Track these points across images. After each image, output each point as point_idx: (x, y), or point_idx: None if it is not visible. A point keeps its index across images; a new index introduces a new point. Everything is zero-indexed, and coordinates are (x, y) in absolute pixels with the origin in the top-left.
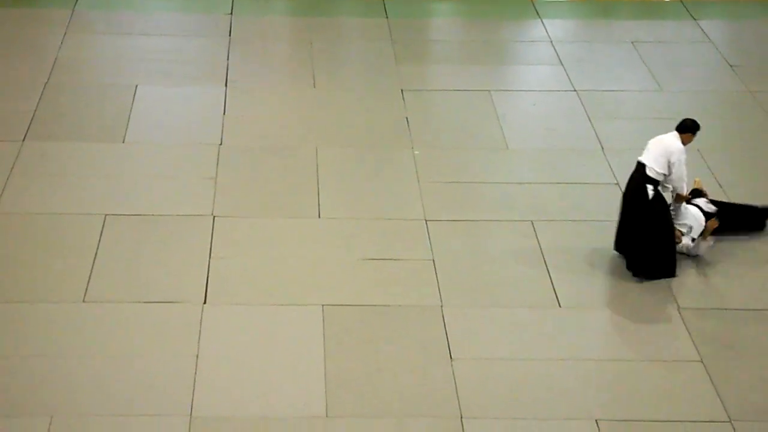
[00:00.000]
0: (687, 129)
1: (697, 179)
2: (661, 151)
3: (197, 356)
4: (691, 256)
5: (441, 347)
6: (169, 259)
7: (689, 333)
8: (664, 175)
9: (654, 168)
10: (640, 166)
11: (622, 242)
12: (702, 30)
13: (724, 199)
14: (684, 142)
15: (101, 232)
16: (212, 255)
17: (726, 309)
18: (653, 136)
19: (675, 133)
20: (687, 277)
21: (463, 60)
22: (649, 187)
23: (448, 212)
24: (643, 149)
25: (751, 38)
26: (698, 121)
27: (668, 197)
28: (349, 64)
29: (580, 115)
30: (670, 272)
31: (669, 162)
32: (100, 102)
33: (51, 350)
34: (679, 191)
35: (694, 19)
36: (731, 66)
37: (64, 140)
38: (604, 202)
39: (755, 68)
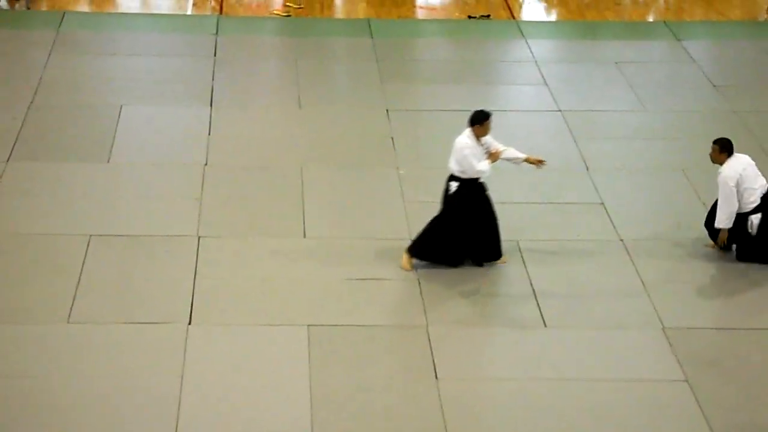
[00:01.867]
0: (472, 122)
1: None
2: (454, 151)
3: (182, 377)
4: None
5: (426, 367)
6: (154, 280)
7: (674, 353)
8: (460, 171)
9: (452, 167)
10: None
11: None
12: (686, 50)
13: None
14: (477, 135)
15: (86, 252)
16: (197, 275)
17: (710, 328)
18: (637, 155)
19: (467, 130)
20: (670, 297)
21: (448, 80)
22: (452, 184)
23: None
24: (622, 169)
25: (734, 58)
26: (486, 111)
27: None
28: (335, 83)
29: (565, 135)
30: (450, 262)
31: (457, 158)
32: (85, 122)
33: (35, 371)
34: (473, 175)
35: (678, 40)
36: (715, 86)
37: (49, 161)
38: (589, 221)
39: (739, 88)
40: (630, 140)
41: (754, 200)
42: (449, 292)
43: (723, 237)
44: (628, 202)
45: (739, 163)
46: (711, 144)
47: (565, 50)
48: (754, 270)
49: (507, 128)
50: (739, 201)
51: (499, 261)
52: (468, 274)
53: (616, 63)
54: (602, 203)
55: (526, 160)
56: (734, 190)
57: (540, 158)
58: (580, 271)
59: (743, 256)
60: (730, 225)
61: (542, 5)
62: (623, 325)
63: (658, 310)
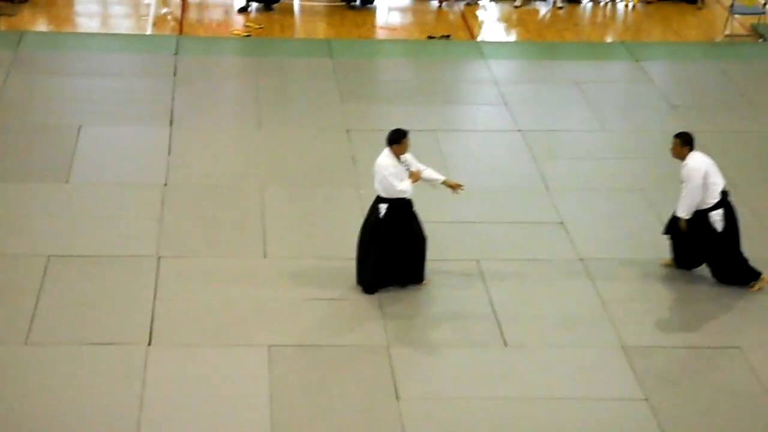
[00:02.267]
0: (390, 141)
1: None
2: (375, 172)
3: (142, 398)
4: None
5: (388, 387)
6: (114, 301)
7: (633, 371)
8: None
9: (377, 188)
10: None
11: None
12: (644, 71)
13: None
14: (396, 154)
15: (44, 273)
16: (157, 296)
17: (669, 347)
18: (597, 175)
19: (385, 150)
20: (630, 316)
21: (409, 100)
22: (382, 206)
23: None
24: (582, 188)
25: (691, 79)
26: (403, 129)
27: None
28: (295, 103)
29: (525, 154)
30: (373, 286)
31: (379, 179)
32: (44, 143)
33: None
34: (396, 195)
35: (637, 61)
36: (673, 106)
37: (7, 181)
38: (549, 241)
39: (696, 108)
40: (589, 160)
41: (715, 197)
42: (410, 311)
43: (683, 225)
44: (587, 222)
45: (703, 157)
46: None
47: (525, 70)
48: (712, 288)
49: (467, 148)
50: (701, 195)
51: (422, 283)
52: (428, 293)
53: (576, 83)
54: (562, 223)
55: (444, 183)
56: (701, 181)
57: (458, 183)
58: (540, 291)
59: (689, 262)
60: (689, 215)
61: (502, 26)
62: (583, 344)
63: (618, 328)
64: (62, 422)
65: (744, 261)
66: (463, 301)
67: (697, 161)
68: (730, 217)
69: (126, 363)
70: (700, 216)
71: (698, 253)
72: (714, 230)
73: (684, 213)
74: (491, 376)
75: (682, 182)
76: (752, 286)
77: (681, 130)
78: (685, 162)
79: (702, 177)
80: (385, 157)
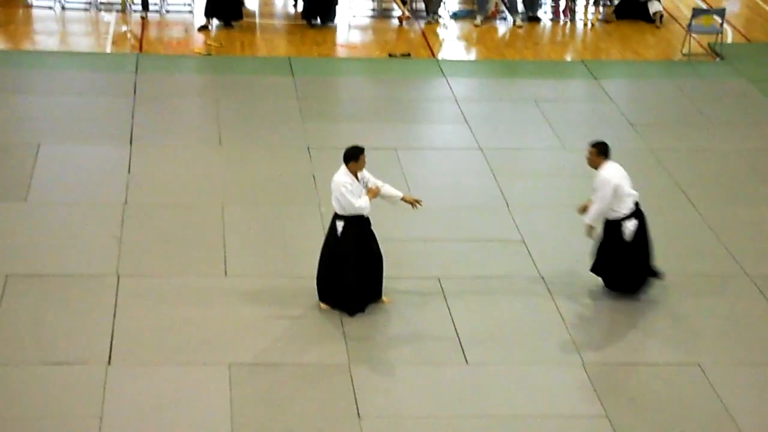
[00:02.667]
0: (347, 158)
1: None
2: (332, 190)
3: (101, 418)
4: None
5: (349, 406)
6: (73, 320)
7: (594, 388)
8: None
9: (334, 205)
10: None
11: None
12: (603, 89)
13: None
14: (353, 171)
15: (2, 292)
16: (117, 315)
17: (630, 364)
18: (557, 193)
19: (342, 167)
20: (590, 333)
21: (370, 118)
22: (339, 224)
23: None
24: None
25: (650, 97)
26: (359, 146)
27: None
28: (256, 121)
29: (485, 172)
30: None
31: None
32: (2, 161)
33: None
34: (354, 212)
35: (596, 79)
36: (632, 124)
37: None
38: (509, 258)
39: (655, 126)
40: (549, 177)
41: (629, 207)
42: (371, 329)
43: (590, 232)
44: (548, 239)
45: (618, 168)
46: (588, 147)
47: (485, 89)
48: (673, 306)
49: (428, 166)
50: (616, 206)
51: (381, 300)
52: (389, 312)
53: (535, 101)
54: (522, 240)
55: (403, 199)
56: (611, 192)
57: (416, 198)
58: (501, 308)
59: (601, 270)
60: (595, 223)
61: (462, 44)
62: (544, 361)
63: (578, 346)
64: None
65: (649, 273)
66: (424, 320)
67: (610, 172)
68: (642, 229)
69: (86, 382)
70: (613, 225)
71: (607, 261)
72: (624, 240)
73: (590, 220)
74: (452, 394)
75: (594, 190)
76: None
77: (639, 148)
78: (599, 172)
79: (613, 189)
80: (342, 174)
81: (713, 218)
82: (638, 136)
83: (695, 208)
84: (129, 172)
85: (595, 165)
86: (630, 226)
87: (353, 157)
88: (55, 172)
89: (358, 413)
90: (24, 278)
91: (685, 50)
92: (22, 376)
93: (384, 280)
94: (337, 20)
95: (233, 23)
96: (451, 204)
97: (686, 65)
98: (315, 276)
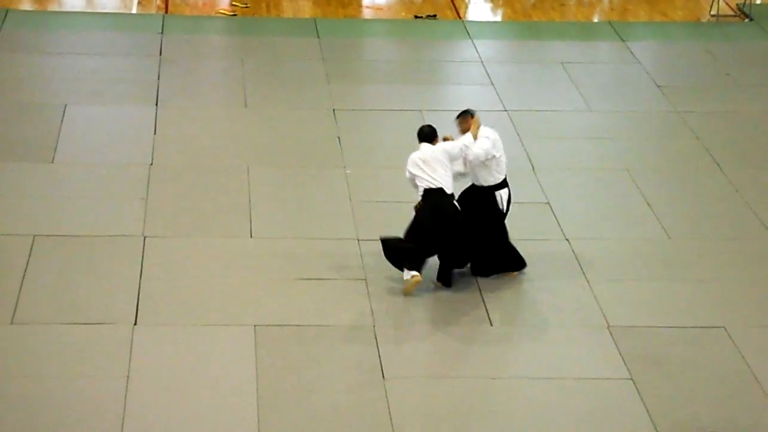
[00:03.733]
0: (427, 138)
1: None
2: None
3: (128, 378)
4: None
5: (374, 367)
6: (99, 280)
7: (619, 351)
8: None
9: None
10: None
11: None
12: (630, 51)
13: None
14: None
15: (30, 252)
16: (143, 275)
17: (654, 326)
18: (582, 155)
19: (423, 146)
20: (615, 296)
21: (395, 80)
22: (503, 192)
23: (380, 231)
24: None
25: (677, 59)
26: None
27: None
28: (281, 83)
29: (511, 134)
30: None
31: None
32: (29, 122)
33: None
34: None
35: (623, 41)
36: (659, 86)
37: None
38: (535, 221)
39: (682, 89)
40: (575, 140)
41: (501, 174)
42: (396, 292)
43: (475, 130)
44: (573, 202)
45: (492, 131)
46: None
47: (511, 50)
48: (697, 268)
49: (454, 128)
50: (492, 171)
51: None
52: None
53: (562, 63)
54: (548, 203)
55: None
56: (493, 141)
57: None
58: (526, 271)
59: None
60: (480, 154)
61: (488, 6)
62: (569, 324)
63: (603, 308)
64: (48, 401)
65: (513, 247)
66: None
67: (488, 132)
68: (508, 202)
69: (112, 342)
70: (487, 192)
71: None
72: (498, 209)
73: (478, 150)
74: (477, 356)
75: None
76: (514, 274)
77: (666, 110)
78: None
79: (493, 142)
80: (437, 146)
81: (740, 181)
82: (665, 99)
83: (722, 170)
84: (155, 133)
85: (467, 129)
86: (504, 195)
87: (434, 135)
88: (82, 133)
89: (383, 374)
90: (51, 239)
91: (714, 11)
92: (49, 336)
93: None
94: None
95: None
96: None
97: (714, 26)
98: (340, 237)
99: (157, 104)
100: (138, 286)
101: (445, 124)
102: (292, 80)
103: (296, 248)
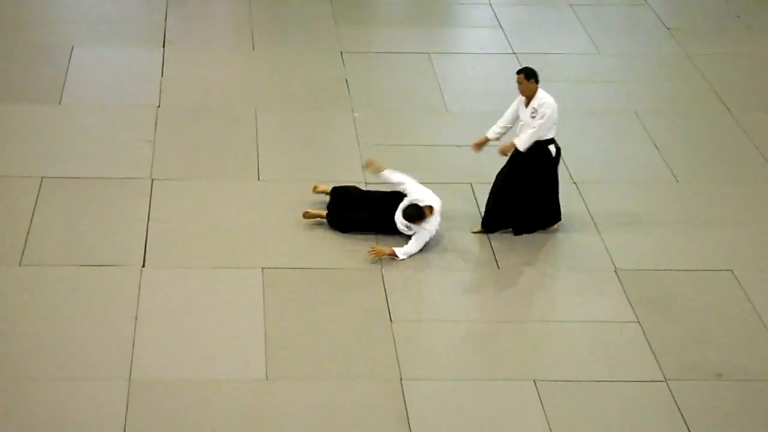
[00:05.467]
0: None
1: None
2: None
3: (136, 319)
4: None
5: (381, 309)
6: (107, 222)
7: (626, 294)
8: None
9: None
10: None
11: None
12: None
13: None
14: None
15: (38, 194)
16: (150, 218)
17: (661, 270)
18: (591, 98)
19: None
20: (623, 239)
21: (403, 22)
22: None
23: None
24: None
25: (687, 1)
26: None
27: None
28: (289, 25)
29: None
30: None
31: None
32: (35, 63)
33: None
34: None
35: None
36: (668, 28)
37: None
38: None
39: (691, 31)
40: (583, 83)
41: (553, 133)
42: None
43: (508, 148)
44: (581, 145)
45: (551, 101)
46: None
47: None
48: (704, 211)
49: (461, 71)
50: (552, 129)
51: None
52: None
53: (570, 5)
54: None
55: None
56: (556, 117)
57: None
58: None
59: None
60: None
61: None
62: (576, 267)
63: (611, 252)
64: (57, 343)
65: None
66: (457, 224)
67: (549, 96)
68: (557, 154)
69: (120, 284)
70: (540, 147)
71: (515, 198)
72: (552, 159)
73: (526, 145)
74: (484, 298)
75: (533, 117)
76: (554, 228)
77: (675, 53)
78: (539, 96)
79: (556, 110)
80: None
81: (749, 124)
82: (674, 41)
83: (731, 113)
84: (162, 75)
85: (529, 92)
86: (553, 149)
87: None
88: (89, 75)
89: (390, 317)
90: (58, 180)
91: None
92: (58, 278)
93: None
94: None
95: None
96: (484, 109)
97: None
98: (349, 180)
99: (164, 46)
100: (146, 228)
101: (453, 66)
102: (300, 23)
103: (304, 191)
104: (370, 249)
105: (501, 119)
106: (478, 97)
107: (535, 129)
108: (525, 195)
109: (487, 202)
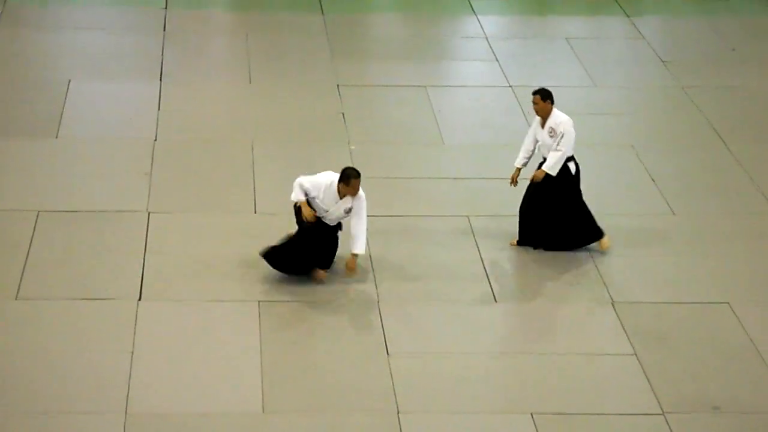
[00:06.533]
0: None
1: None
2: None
3: (132, 353)
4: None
5: (377, 342)
6: (104, 256)
7: (623, 327)
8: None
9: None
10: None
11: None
12: (635, 26)
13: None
14: (341, 192)
15: (34, 228)
16: (147, 251)
17: (658, 302)
18: (587, 131)
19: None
20: (620, 271)
21: (399, 56)
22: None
23: (384, 208)
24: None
25: (682, 34)
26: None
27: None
28: (285, 59)
29: (515, 110)
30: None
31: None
32: (32, 97)
33: None
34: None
35: (627, 16)
36: (663, 62)
37: None
38: None
39: (687, 64)
40: (580, 116)
41: (571, 151)
42: (400, 269)
43: (540, 176)
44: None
45: (569, 122)
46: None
47: (516, 26)
48: (701, 243)
49: (458, 104)
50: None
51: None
52: (420, 250)
53: (566, 38)
54: None
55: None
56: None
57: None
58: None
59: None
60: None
61: None
62: (573, 299)
63: (608, 284)
64: (53, 376)
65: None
66: (453, 257)
67: (565, 115)
68: (577, 173)
69: (117, 318)
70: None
71: (547, 216)
72: (571, 176)
73: (554, 170)
74: (480, 331)
75: (551, 137)
76: (604, 243)
77: (671, 85)
78: (558, 117)
79: (573, 127)
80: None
81: (744, 156)
82: (670, 74)
83: (726, 146)
84: (159, 108)
85: (545, 112)
86: (572, 167)
87: (345, 178)
88: (86, 109)
89: (387, 350)
90: (55, 214)
91: None
92: (54, 312)
93: (414, 219)
94: None
95: None
96: (481, 142)
97: (720, 2)
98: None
99: (161, 79)
100: (142, 261)
101: (449, 99)
102: (297, 56)
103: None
104: (347, 271)
105: (522, 147)
106: (475, 129)
107: (561, 152)
108: (551, 214)
109: (519, 222)
